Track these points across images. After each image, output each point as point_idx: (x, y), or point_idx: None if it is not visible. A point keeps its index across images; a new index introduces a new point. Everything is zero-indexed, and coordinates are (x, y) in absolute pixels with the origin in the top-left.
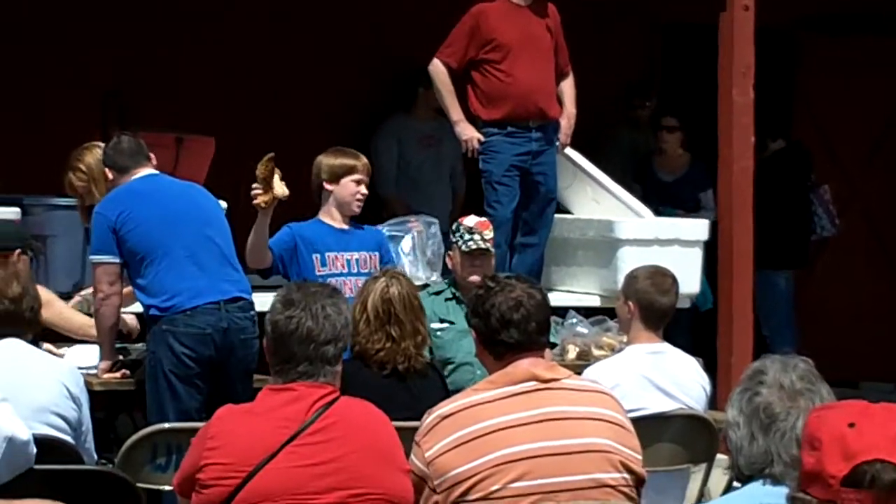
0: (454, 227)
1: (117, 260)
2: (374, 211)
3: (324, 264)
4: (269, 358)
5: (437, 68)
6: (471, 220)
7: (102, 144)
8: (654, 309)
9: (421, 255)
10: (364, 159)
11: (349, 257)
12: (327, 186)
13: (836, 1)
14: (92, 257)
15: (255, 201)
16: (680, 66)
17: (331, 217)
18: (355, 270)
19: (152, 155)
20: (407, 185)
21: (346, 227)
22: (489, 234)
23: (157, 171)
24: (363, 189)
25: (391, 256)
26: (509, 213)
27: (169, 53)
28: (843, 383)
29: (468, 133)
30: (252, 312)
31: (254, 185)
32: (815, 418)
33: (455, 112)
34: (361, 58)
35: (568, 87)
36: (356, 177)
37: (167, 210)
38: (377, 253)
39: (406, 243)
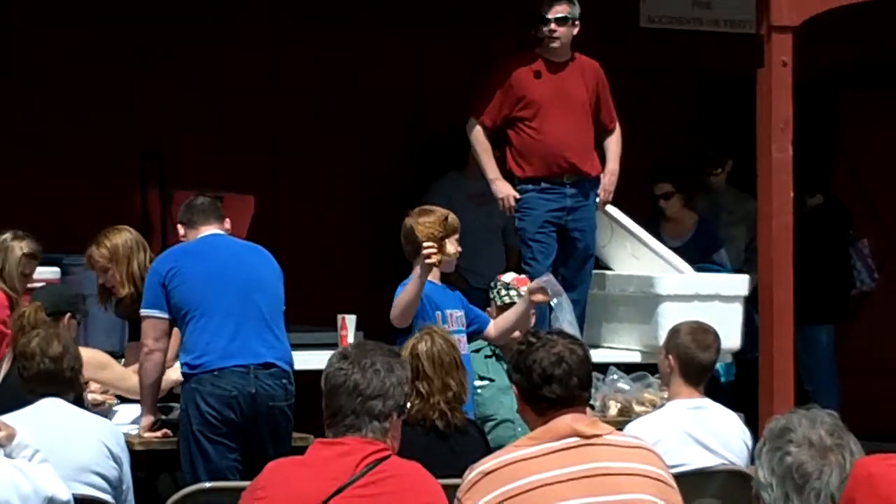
0: (492, 283)
1: (165, 315)
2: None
3: (444, 321)
4: (324, 412)
5: (473, 127)
6: (508, 277)
7: (134, 231)
8: (693, 364)
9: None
10: (453, 216)
11: (456, 314)
12: None
13: (871, 52)
14: (142, 311)
15: (428, 260)
16: (719, 121)
17: (433, 277)
18: (456, 328)
19: (227, 219)
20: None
21: (440, 284)
22: (526, 290)
23: (222, 232)
24: (458, 247)
25: (477, 311)
26: (546, 270)
27: (212, 114)
28: (886, 437)
29: (503, 191)
30: (285, 381)
31: (426, 244)
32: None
33: (491, 170)
34: (409, 118)
35: (613, 144)
36: (456, 235)
37: (215, 269)
38: (463, 310)
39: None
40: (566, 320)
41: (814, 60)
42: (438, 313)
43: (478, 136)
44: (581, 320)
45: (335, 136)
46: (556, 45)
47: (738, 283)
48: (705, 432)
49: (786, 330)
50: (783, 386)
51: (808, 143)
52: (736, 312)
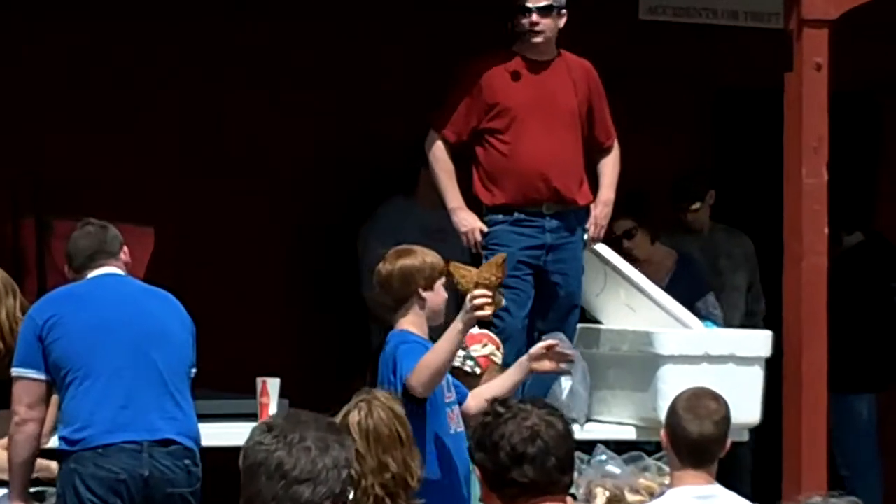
0: None
1: (42, 376)
2: (358, 319)
3: (449, 390)
4: (240, 498)
5: (433, 143)
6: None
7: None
8: (684, 439)
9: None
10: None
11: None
12: (423, 293)
13: None
14: (12, 370)
15: (480, 312)
16: (739, 138)
17: (422, 331)
18: (452, 398)
19: (126, 249)
20: None
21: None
22: (481, 349)
23: (119, 271)
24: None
25: (454, 379)
26: (521, 323)
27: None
28: None
29: (468, 223)
30: (188, 461)
31: (477, 293)
32: None
33: (452, 197)
34: (346, 126)
35: (608, 167)
36: (444, 280)
37: (101, 318)
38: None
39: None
40: (580, 388)
41: (856, 65)
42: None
43: (438, 154)
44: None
45: (255, 155)
46: (538, 39)
47: (759, 342)
48: None
49: (818, 401)
50: (814, 470)
51: (846, 166)
52: (755, 377)
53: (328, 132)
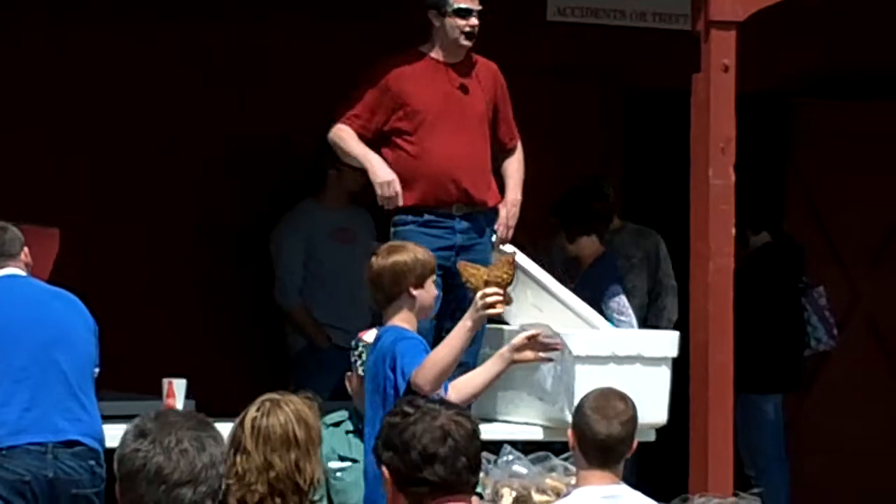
0: (353, 344)
1: None
2: (273, 326)
3: (446, 388)
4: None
5: (339, 129)
6: (371, 336)
7: None
8: (589, 439)
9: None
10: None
11: None
12: (414, 291)
13: (843, 57)
14: None
15: (491, 310)
16: (648, 141)
17: (412, 328)
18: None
19: (26, 250)
20: (316, 293)
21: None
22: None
23: (20, 272)
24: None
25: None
26: (428, 324)
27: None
28: None
29: (384, 174)
30: (93, 462)
31: (489, 291)
32: None
33: (373, 158)
34: (255, 127)
35: (513, 168)
36: (434, 277)
37: (3, 320)
38: None
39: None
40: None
41: (766, 67)
42: None
43: (344, 134)
44: None
45: (163, 156)
46: (470, 43)
47: (666, 343)
48: None
49: (724, 401)
50: (721, 470)
51: (755, 167)
52: (662, 378)
53: (238, 133)
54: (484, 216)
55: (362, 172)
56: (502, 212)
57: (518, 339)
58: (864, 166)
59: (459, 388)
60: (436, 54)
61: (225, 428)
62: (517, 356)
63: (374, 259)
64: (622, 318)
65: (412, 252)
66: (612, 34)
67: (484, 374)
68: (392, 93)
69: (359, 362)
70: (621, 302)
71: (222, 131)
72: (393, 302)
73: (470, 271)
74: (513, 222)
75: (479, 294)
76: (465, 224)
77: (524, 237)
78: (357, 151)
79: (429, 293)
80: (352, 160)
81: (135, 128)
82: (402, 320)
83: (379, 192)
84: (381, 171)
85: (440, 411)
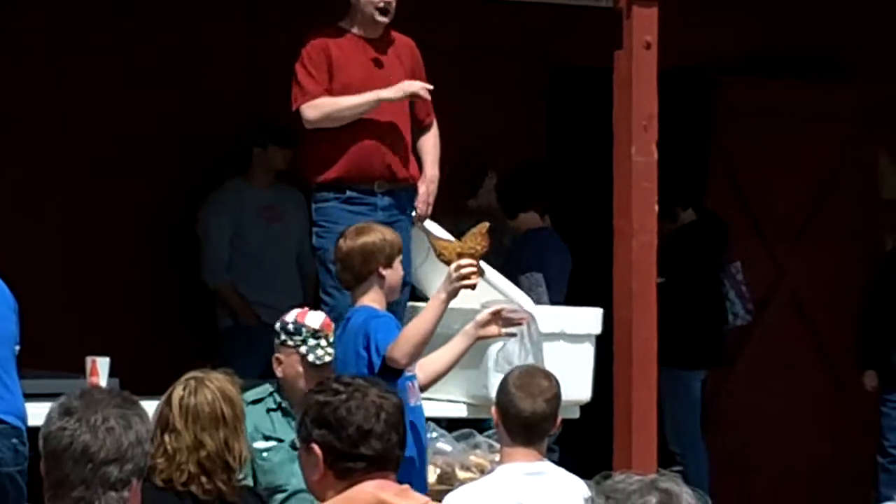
0: (291, 325)
1: None
2: (204, 306)
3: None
4: (44, 482)
5: (316, 104)
6: (315, 320)
7: None
8: (513, 416)
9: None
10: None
11: None
12: (383, 271)
13: (767, 35)
14: None
15: (466, 281)
16: (571, 119)
17: (382, 307)
18: (412, 372)
19: None
20: (244, 271)
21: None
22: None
23: None
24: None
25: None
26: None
27: None
28: None
29: (408, 86)
30: (15, 440)
31: (463, 262)
32: None
33: (372, 95)
34: (185, 108)
35: (429, 145)
36: (401, 257)
37: None
38: None
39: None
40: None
41: (689, 44)
42: None
43: (320, 103)
44: None
45: (85, 132)
46: (387, 19)
47: (589, 319)
48: None
49: (648, 377)
50: (644, 447)
51: (678, 144)
52: (586, 355)
53: (169, 112)
54: (405, 193)
55: (291, 149)
56: (421, 188)
57: (482, 315)
58: (786, 143)
59: (425, 367)
60: (356, 30)
61: (149, 406)
62: (482, 332)
63: (341, 240)
64: (530, 293)
65: (380, 233)
66: (536, 12)
67: (450, 353)
68: (331, 57)
69: (304, 348)
70: (532, 278)
71: (156, 114)
72: (362, 283)
73: (441, 243)
74: (431, 199)
75: (453, 266)
76: (386, 201)
77: (442, 212)
78: (353, 100)
79: (397, 273)
80: (355, 112)
81: (56, 108)
82: (372, 300)
83: (410, 90)
84: (393, 88)
85: (369, 388)
